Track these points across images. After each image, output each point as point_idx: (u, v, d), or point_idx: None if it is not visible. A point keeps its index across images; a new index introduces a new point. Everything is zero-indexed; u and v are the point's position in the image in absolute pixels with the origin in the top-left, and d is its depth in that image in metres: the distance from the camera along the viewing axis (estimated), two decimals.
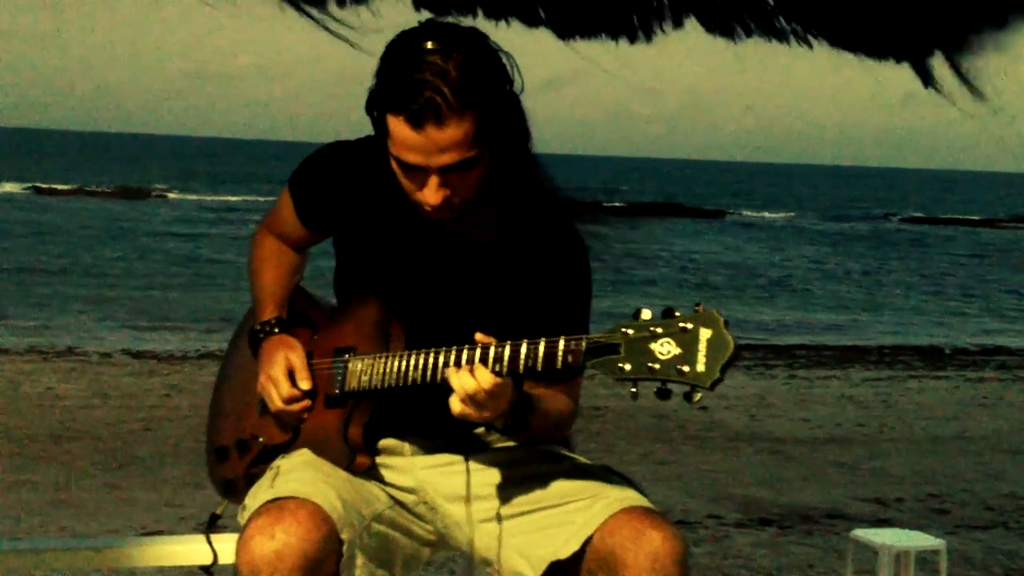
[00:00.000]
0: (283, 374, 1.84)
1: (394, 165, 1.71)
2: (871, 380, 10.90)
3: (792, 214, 45.20)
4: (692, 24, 2.72)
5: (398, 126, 1.65)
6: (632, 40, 2.73)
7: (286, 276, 1.98)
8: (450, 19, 2.17)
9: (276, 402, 1.84)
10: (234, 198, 40.64)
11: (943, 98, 2.89)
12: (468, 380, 1.60)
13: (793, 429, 8.11)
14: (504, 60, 1.72)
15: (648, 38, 2.72)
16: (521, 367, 1.59)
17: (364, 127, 1.79)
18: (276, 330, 1.90)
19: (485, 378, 1.59)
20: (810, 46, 2.77)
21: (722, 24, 2.71)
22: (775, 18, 2.73)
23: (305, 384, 1.83)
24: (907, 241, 35.20)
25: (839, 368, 11.65)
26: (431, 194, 1.69)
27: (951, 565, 3.45)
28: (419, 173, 1.68)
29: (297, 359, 1.85)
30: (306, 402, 1.84)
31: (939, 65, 2.86)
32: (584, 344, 1.53)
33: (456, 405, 1.62)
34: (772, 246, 31.43)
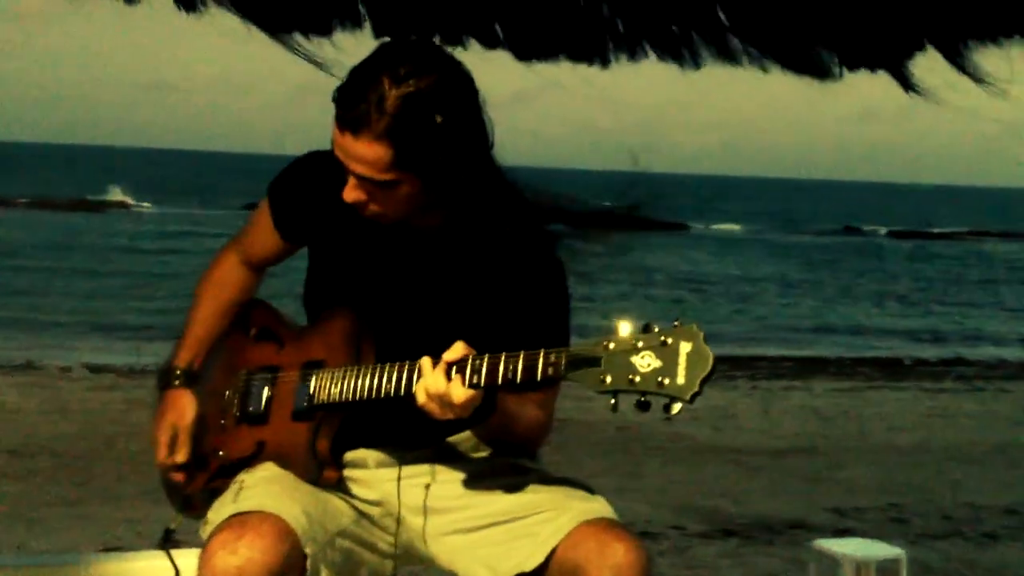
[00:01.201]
0: (165, 440, 1.92)
1: None
2: (832, 391, 11.00)
3: (755, 227, 45.55)
4: (649, 51, 2.74)
5: (335, 117, 1.70)
6: (590, 63, 2.76)
7: (221, 315, 2.00)
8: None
9: (160, 452, 1.93)
10: (196, 211, 40.36)
11: (927, 101, 2.92)
12: (439, 383, 1.62)
13: (756, 440, 8.17)
14: (463, 100, 1.70)
15: (605, 63, 2.75)
16: (500, 380, 1.60)
17: (326, 140, 1.80)
18: (177, 383, 1.96)
19: (458, 391, 1.61)
20: (764, 70, 2.80)
21: (675, 51, 2.73)
22: (727, 39, 2.75)
23: (180, 458, 1.91)
24: (867, 253, 35.57)
25: (800, 380, 11.75)
26: (347, 192, 1.73)
27: (911, 574, 3.48)
28: (346, 169, 1.72)
29: (183, 429, 1.92)
30: (180, 475, 1.92)
31: (919, 70, 2.89)
32: (565, 357, 1.55)
33: (421, 397, 1.64)
34: (734, 259, 31.65)
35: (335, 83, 1.73)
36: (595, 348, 1.52)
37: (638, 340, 1.50)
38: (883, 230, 46.62)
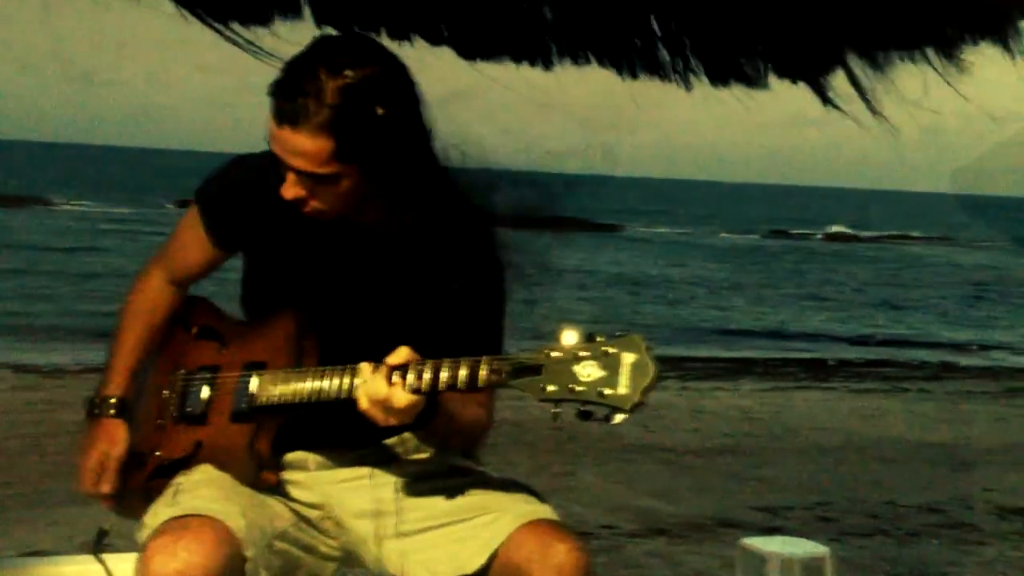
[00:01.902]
0: (93, 469, 1.89)
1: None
2: (759, 392, 11.17)
3: (687, 229, 46.02)
4: (591, 56, 2.76)
5: (271, 114, 1.67)
6: (532, 64, 2.76)
7: (151, 340, 1.96)
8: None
9: (85, 478, 1.89)
10: (122, 209, 39.59)
11: (841, 116, 2.98)
12: (381, 388, 1.60)
13: (686, 440, 8.26)
14: (403, 93, 1.70)
15: (547, 66, 2.76)
16: (442, 386, 1.59)
17: (258, 138, 1.79)
18: (112, 412, 1.91)
19: (400, 396, 1.60)
20: (688, 85, 2.84)
21: (613, 58, 2.76)
22: (657, 50, 2.78)
23: (106, 488, 1.88)
24: (795, 256, 36.13)
25: (729, 380, 11.91)
26: (286, 189, 1.70)
27: (836, 572, 3.56)
28: (283, 166, 1.69)
29: (113, 459, 1.88)
30: (106, 503, 1.90)
31: (839, 83, 2.95)
32: (507, 365, 1.54)
33: (363, 403, 1.62)
34: (666, 260, 31.95)
35: (274, 75, 1.72)
36: (537, 356, 1.52)
37: (581, 349, 1.50)
38: (811, 233, 47.43)
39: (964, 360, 15.37)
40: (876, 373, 13.26)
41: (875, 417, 9.83)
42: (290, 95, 1.64)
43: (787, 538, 3.89)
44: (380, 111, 1.65)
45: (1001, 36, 2.88)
